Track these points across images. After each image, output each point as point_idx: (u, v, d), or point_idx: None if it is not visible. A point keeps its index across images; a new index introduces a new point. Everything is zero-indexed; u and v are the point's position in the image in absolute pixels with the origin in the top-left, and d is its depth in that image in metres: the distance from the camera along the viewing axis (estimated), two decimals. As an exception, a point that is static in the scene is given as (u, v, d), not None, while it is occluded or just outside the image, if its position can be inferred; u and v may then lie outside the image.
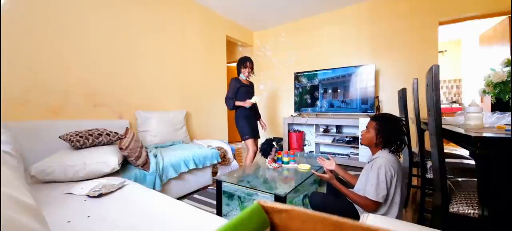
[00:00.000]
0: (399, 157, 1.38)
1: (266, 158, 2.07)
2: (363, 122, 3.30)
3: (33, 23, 2.09)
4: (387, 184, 1.25)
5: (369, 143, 1.44)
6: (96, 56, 2.52)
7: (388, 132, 1.36)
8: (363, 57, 3.96)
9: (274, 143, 2.10)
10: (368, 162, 1.43)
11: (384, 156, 1.32)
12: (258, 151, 2.51)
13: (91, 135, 1.87)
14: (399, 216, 1.33)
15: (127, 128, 2.30)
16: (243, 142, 2.80)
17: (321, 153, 4.10)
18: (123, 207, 1.21)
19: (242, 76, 2.80)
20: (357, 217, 1.34)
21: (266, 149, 2.07)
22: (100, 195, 1.33)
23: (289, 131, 4.36)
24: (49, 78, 2.18)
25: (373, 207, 1.27)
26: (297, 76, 4.42)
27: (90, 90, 2.46)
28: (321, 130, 4.13)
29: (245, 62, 2.77)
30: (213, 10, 4.15)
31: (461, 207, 1.09)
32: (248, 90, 2.82)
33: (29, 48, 2.06)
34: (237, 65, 2.84)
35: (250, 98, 2.73)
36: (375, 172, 1.28)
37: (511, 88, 1.43)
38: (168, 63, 3.33)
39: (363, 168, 1.49)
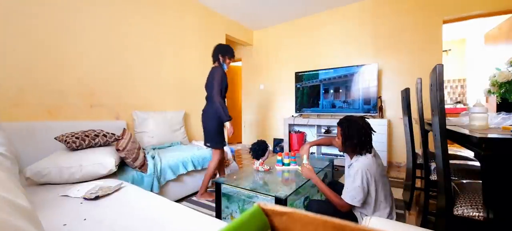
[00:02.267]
0: (370, 153, 1.40)
1: (258, 160, 1.98)
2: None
3: (28, 22, 2.08)
4: (363, 189, 1.31)
5: (341, 149, 1.51)
6: (93, 55, 2.51)
7: (350, 133, 1.41)
8: (366, 57, 3.92)
9: (269, 147, 2.03)
10: (348, 167, 1.48)
11: (359, 161, 1.38)
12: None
13: (87, 136, 1.86)
14: (392, 213, 1.39)
15: (124, 128, 2.29)
16: (213, 149, 2.42)
17: (322, 154, 4.07)
18: (120, 210, 1.19)
19: (225, 68, 2.46)
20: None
21: (257, 150, 1.97)
22: (97, 198, 1.31)
23: (289, 132, 4.33)
24: (44, 78, 2.17)
25: (348, 207, 1.37)
26: (298, 76, 4.39)
27: (86, 90, 2.45)
28: (323, 130, 4.09)
29: (232, 52, 2.47)
30: (213, 9, 4.14)
31: (466, 210, 1.08)
32: (226, 85, 2.47)
33: (24, 48, 2.05)
34: (219, 52, 2.43)
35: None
36: (351, 178, 1.35)
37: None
38: (166, 63, 3.32)
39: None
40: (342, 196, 1.37)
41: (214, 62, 2.46)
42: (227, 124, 2.32)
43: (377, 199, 1.35)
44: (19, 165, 1.38)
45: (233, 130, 2.36)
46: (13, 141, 1.74)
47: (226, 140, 2.60)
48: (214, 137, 2.38)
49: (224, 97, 2.42)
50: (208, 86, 2.40)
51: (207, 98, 2.43)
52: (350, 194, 1.33)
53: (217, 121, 2.35)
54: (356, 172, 1.33)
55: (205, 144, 2.44)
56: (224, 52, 2.44)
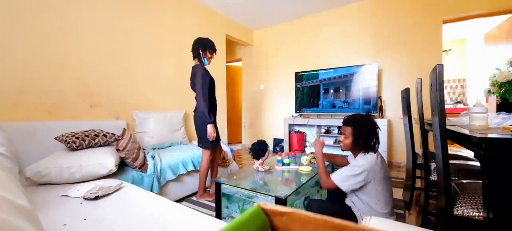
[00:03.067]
0: (375, 152, 1.39)
1: (258, 160, 1.97)
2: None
3: (28, 22, 2.08)
4: (357, 181, 1.31)
5: (349, 149, 1.48)
6: (92, 55, 2.50)
7: (366, 133, 1.38)
8: (366, 57, 3.92)
9: (269, 147, 2.03)
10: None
11: (365, 158, 1.36)
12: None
13: (87, 136, 1.86)
14: (393, 214, 1.38)
15: (124, 128, 2.29)
16: (203, 149, 2.34)
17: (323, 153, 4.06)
18: (120, 210, 1.19)
19: (206, 63, 2.30)
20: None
21: (257, 150, 1.95)
22: (97, 198, 1.31)
23: (289, 132, 4.33)
24: (44, 77, 2.17)
25: (331, 186, 1.38)
26: (298, 76, 4.39)
27: (86, 90, 2.45)
28: (323, 130, 4.09)
29: (213, 46, 2.31)
30: (212, 9, 4.14)
31: (466, 210, 1.07)
32: (213, 82, 2.34)
33: (24, 48, 2.05)
34: (198, 47, 2.26)
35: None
36: (350, 166, 1.37)
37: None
38: (166, 63, 3.32)
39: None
40: (332, 175, 1.38)
41: (194, 58, 2.30)
42: (208, 126, 2.22)
43: (378, 200, 1.34)
44: (19, 165, 1.38)
45: (213, 134, 2.24)
46: (13, 141, 1.75)
47: (226, 139, 2.57)
48: (204, 136, 2.29)
49: (212, 95, 2.34)
50: (194, 86, 2.28)
51: (195, 97, 2.34)
52: (341, 178, 1.35)
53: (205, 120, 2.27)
54: (359, 166, 1.33)
55: (198, 144, 2.39)
56: (204, 46, 2.26)
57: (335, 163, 1.87)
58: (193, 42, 2.30)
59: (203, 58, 2.29)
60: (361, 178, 1.31)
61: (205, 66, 2.29)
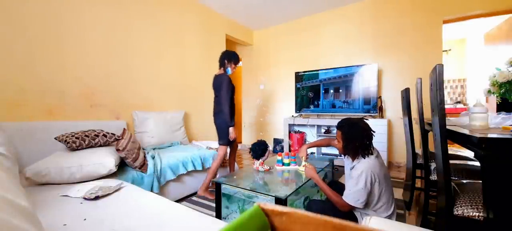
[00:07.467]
0: (373, 154, 1.39)
1: (258, 160, 1.97)
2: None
3: (28, 22, 2.08)
4: (367, 191, 1.30)
5: (341, 152, 1.49)
6: (93, 55, 2.51)
7: (350, 136, 1.39)
8: (366, 57, 3.92)
9: (269, 147, 2.03)
10: (350, 169, 1.46)
11: (363, 162, 1.36)
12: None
13: (87, 136, 1.86)
14: (393, 215, 1.37)
15: (124, 128, 2.29)
16: (221, 146, 2.57)
17: (322, 154, 4.07)
18: (120, 210, 1.19)
19: (229, 72, 2.61)
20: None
21: (257, 150, 1.96)
22: (97, 198, 1.31)
23: (289, 132, 4.33)
24: (44, 78, 2.17)
25: (349, 207, 1.35)
26: (298, 76, 4.39)
27: (86, 90, 2.45)
28: (323, 130, 4.09)
29: (237, 58, 2.64)
30: (213, 9, 4.14)
31: (466, 210, 1.07)
32: (234, 89, 2.61)
33: (24, 48, 2.05)
34: (225, 58, 2.58)
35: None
36: (354, 180, 1.34)
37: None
38: (166, 63, 3.33)
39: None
40: (344, 197, 1.36)
41: (220, 67, 2.61)
42: (230, 129, 2.50)
43: (379, 201, 1.34)
44: (19, 165, 1.39)
45: (234, 135, 2.54)
46: (13, 141, 1.74)
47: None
48: (221, 134, 2.54)
49: (232, 98, 2.58)
50: (218, 91, 2.56)
51: (216, 101, 2.62)
52: (353, 196, 1.32)
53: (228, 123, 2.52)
54: (360, 174, 1.31)
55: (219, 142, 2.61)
56: (229, 57, 2.59)
57: (325, 145, 1.93)
58: (221, 54, 2.62)
59: (227, 68, 2.59)
60: (369, 185, 1.30)
61: (228, 75, 2.56)
